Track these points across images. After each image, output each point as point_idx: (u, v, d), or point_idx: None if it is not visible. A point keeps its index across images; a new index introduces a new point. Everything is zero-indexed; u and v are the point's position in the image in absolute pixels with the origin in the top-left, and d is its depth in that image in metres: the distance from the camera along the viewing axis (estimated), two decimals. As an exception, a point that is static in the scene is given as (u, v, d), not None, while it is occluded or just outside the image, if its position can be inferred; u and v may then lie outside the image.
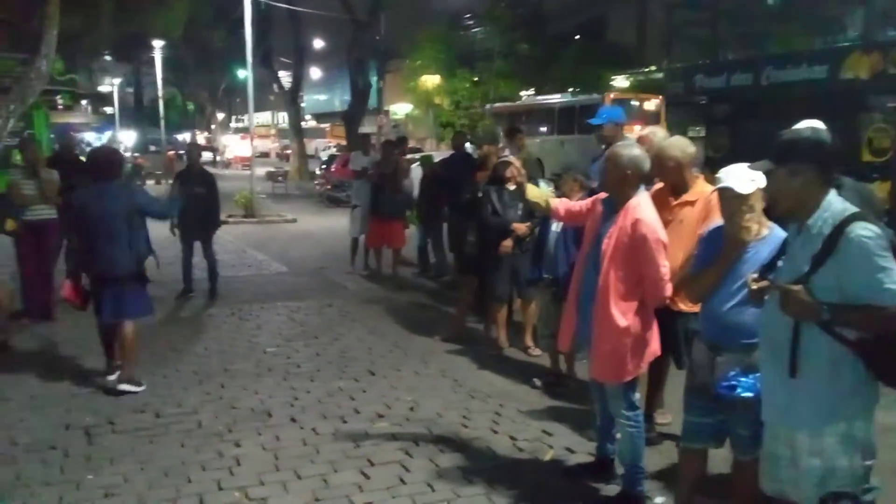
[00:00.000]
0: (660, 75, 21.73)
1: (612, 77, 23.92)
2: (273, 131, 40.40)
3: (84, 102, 38.52)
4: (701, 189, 4.19)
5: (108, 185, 5.51)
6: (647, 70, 24.01)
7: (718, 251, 3.21)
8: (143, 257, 5.56)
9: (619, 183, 3.66)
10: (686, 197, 4.20)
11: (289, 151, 35.87)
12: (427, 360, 6.23)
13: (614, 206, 3.70)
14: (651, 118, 17.43)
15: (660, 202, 4.10)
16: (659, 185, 4.35)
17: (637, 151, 3.69)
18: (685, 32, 21.82)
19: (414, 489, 3.96)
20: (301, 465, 4.22)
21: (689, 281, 3.46)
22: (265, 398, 5.31)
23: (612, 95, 18.92)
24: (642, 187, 3.71)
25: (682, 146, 4.24)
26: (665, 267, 3.56)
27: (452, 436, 4.66)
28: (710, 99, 16.29)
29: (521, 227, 6.16)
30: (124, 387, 5.37)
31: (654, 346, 3.76)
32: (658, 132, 4.85)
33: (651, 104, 18.79)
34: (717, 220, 3.36)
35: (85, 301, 5.68)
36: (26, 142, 7.94)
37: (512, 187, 6.23)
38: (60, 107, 26.04)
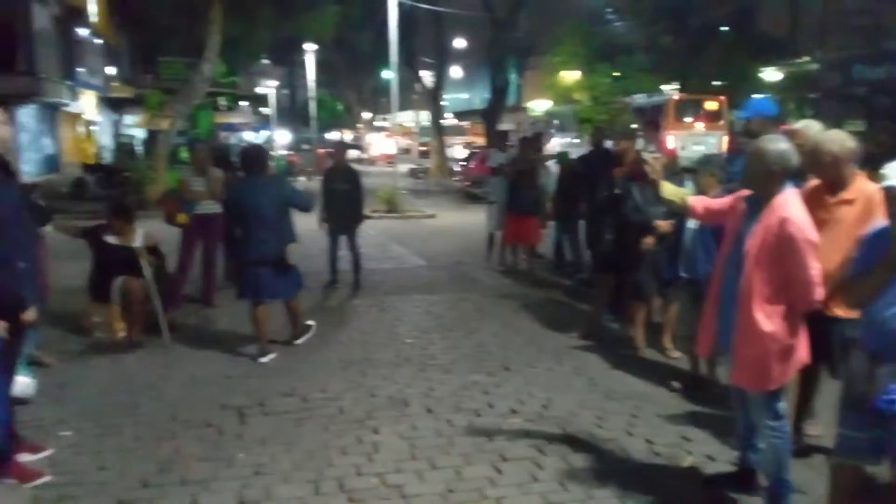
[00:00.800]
0: (814, 66, 20.41)
1: (762, 69, 22.63)
2: (415, 129, 41.66)
3: (243, 103, 40.98)
4: (861, 187, 3.92)
5: (259, 178, 6.22)
6: (799, 61, 22.56)
7: (881, 254, 2.99)
8: (289, 243, 6.16)
9: (764, 179, 3.49)
10: (844, 195, 3.94)
11: (422, 148, 36.80)
12: (561, 358, 6.19)
13: (758, 204, 3.53)
14: (712, 118, 19.38)
15: (815, 200, 3.88)
16: (814, 181, 4.11)
17: (784, 146, 3.50)
18: (842, 20, 20.30)
19: (546, 487, 3.96)
20: (436, 455, 4.32)
21: (848, 285, 3.24)
22: (403, 388, 5.47)
23: (675, 97, 20.49)
24: (789, 184, 3.52)
25: (840, 140, 3.97)
26: (815, 269, 3.35)
27: (586, 436, 4.61)
28: (870, 90, 15.12)
29: (664, 225, 5.97)
30: (298, 342, 6.44)
31: (802, 354, 3.55)
32: (813, 125, 4.57)
33: (713, 104, 19.94)
34: (881, 221, 3.14)
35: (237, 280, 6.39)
36: (196, 143, 8.61)
37: None
38: (223, 108, 27.84)
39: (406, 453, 4.35)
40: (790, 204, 3.43)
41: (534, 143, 10.69)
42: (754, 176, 3.54)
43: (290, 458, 4.26)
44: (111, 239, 6.58)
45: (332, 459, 4.26)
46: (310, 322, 6.63)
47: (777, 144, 3.50)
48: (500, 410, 5.03)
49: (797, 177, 3.77)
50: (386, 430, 4.67)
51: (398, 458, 4.29)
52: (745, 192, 3.68)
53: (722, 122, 19.04)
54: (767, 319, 3.41)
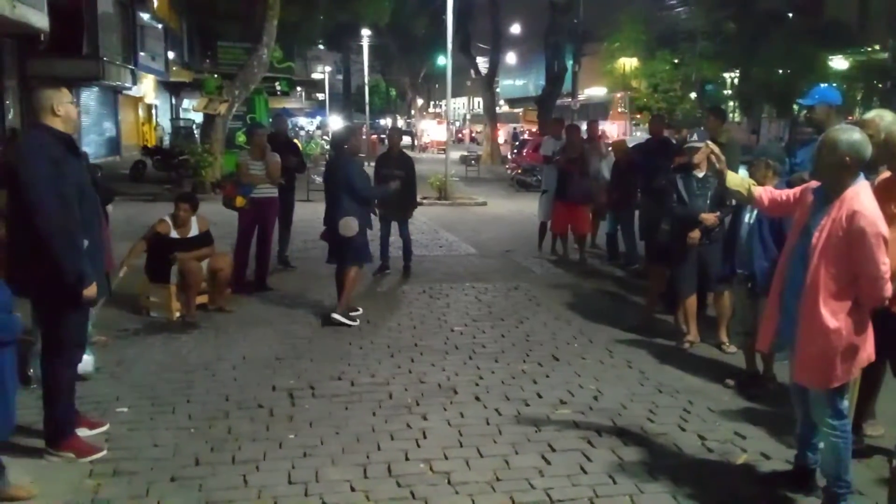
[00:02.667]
0: (884, 55, 19.67)
1: (829, 58, 21.90)
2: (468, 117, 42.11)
3: (299, 89, 41.35)
4: (935, 180, 3.75)
5: (338, 159, 6.94)
6: (868, 49, 21.76)
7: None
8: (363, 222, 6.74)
9: (835, 170, 3.35)
10: (918, 189, 3.77)
11: (462, 135, 37.15)
12: (612, 350, 6.10)
13: (827, 196, 3.40)
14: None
15: (886, 194, 3.74)
16: (886, 174, 3.94)
17: (857, 136, 3.36)
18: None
19: (595, 479, 3.90)
20: (484, 443, 4.30)
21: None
22: (451, 375, 5.46)
23: (618, 95, 27.51)
24: (861, 176, 3.37)
25: (914, 131, 3.80)
26: (885, 265, 3.22)
27: (637, 429, 4.54)
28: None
29: (709, 218, 5.84)
30: (335, 316, 6.58)
31: (868, 351, 3.43)
32: (886, 115, 4.37)
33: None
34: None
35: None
36: (255, 127, 8.69)
37: (700, 174, 5.92)
38: (278, 93, 28.08)
39: (454, 440, 4.34)
40: (861, 197, 3.29)
41: (585, 130, 10.51)
42: (825, 167, 3.41)
43: (339, 441, 4.29)
44: (173, 234, 6.75)
45: (380, 443, 4.27)
46: (357, 310, 6.82)
47: (850, 134, 3.36)
48: (549, 401, 4.98)
49: (868, 169, 3.62)
50: (434, 417, 4.67)
51: (446, 444, 4.28)
52: (814, 184, 3.55)
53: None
54: (833, 316, 3.30)
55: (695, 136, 5.93)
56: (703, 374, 5.53)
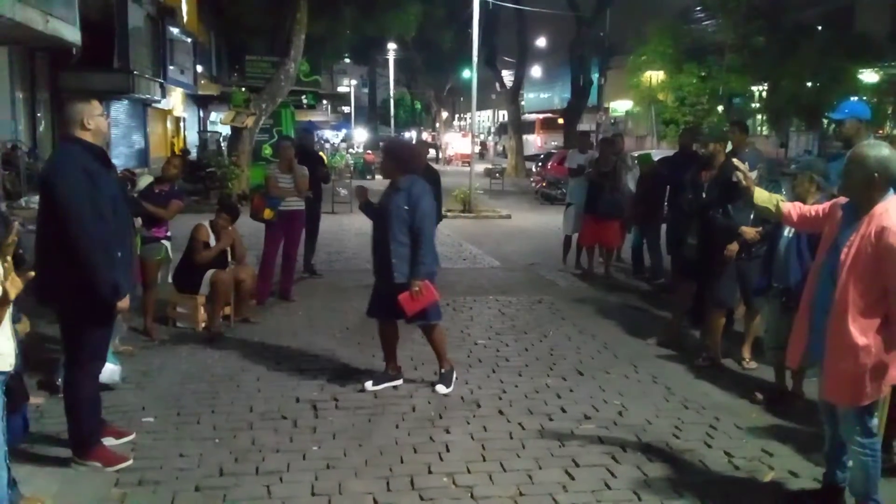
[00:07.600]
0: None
1: (859, 71, 21.61)
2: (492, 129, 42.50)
3: (325, 102, 41.68)
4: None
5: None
6: None
7: None
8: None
9: (863, 186, 3.32)
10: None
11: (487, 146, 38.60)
12: (637, 365, 6.05)
13: (856, 212, 3.35)
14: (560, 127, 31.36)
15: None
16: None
17: (886, 152, 3.32)
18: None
19: (619, 496, 3.87)
20: (507, 457, 4.28)
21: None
22: (475, 388, 5.45)
23: (541, 117, 38.92)
24: (891, 192, 3.33)
25: (944, 146, 3.74)
26: (915, 282, 3.16)
27: (662, 445, 4.49)
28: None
29: (749, 231, 5.76)
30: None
31: (899, 369, 3.36)
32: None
33: (560, 119, 34.23)
34: None
35: None
36: (282, 140, 8.85)
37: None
38: (305, 106, 28.28)
39: (477, 454, 4.33)
40: (891, 213, 3.25)
41: (613, 144, 10.48)
42: (853, 183, 3.37)
43: (362, 454, 4.29)
44: (212, 241, 6.82)
45: (403, 456, 4.27)
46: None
47: (879, 150, 3.33)
48: (573, 415, 4.95)
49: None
50: (457, 431, 4.66)
51: (469, 458, 4.26)
52: (842, 199, 3.51)
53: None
54: (862, 333, 3.26)
55: (746, 164, 5.78)
56: (730, 390, 5.47)
